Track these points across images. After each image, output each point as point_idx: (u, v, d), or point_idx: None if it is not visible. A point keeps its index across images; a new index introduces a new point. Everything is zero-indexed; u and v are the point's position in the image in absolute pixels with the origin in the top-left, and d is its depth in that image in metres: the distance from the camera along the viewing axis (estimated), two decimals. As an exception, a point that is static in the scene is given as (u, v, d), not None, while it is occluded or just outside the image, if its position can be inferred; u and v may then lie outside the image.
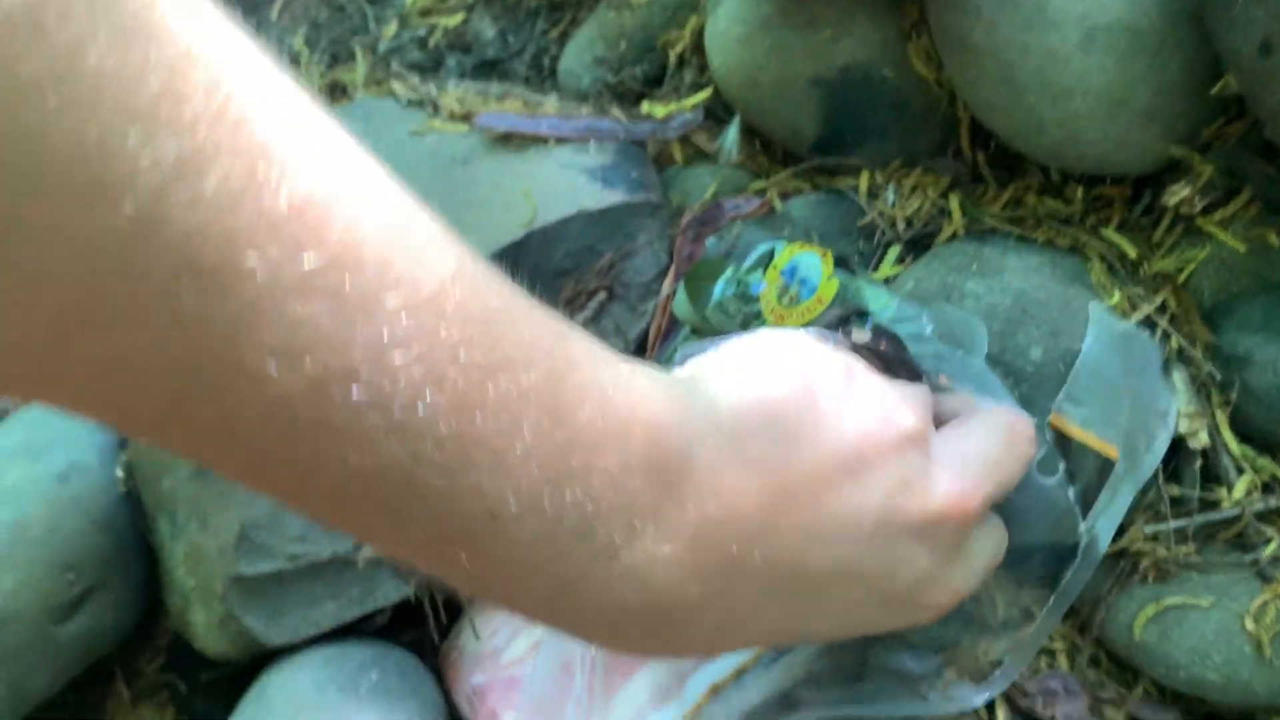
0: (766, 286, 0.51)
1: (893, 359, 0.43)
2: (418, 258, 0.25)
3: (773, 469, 0.34)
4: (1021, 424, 0.44)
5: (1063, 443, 0.45)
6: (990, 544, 0.43)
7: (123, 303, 0.21)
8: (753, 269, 0.52)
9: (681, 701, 0.46)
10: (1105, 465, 0.45)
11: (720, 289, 0.53)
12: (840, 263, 0.49)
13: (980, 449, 0.42)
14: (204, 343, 0.22)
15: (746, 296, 0.52)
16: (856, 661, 0.46)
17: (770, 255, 0.52)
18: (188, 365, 0.22)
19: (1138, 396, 0.47)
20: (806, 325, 0.48)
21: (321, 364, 0.23)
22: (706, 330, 0.54)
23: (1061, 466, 0.44)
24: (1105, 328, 0.47)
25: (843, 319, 0.47)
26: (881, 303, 0.49)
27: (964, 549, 0.40)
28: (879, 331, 0.44)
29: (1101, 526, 0.45)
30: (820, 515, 0.36)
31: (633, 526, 0.30)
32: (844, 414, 0.37)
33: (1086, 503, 0.45)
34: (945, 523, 0.38)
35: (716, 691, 0.47)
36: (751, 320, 0.51)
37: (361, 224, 0.24)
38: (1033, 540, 0.45)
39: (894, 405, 0.39)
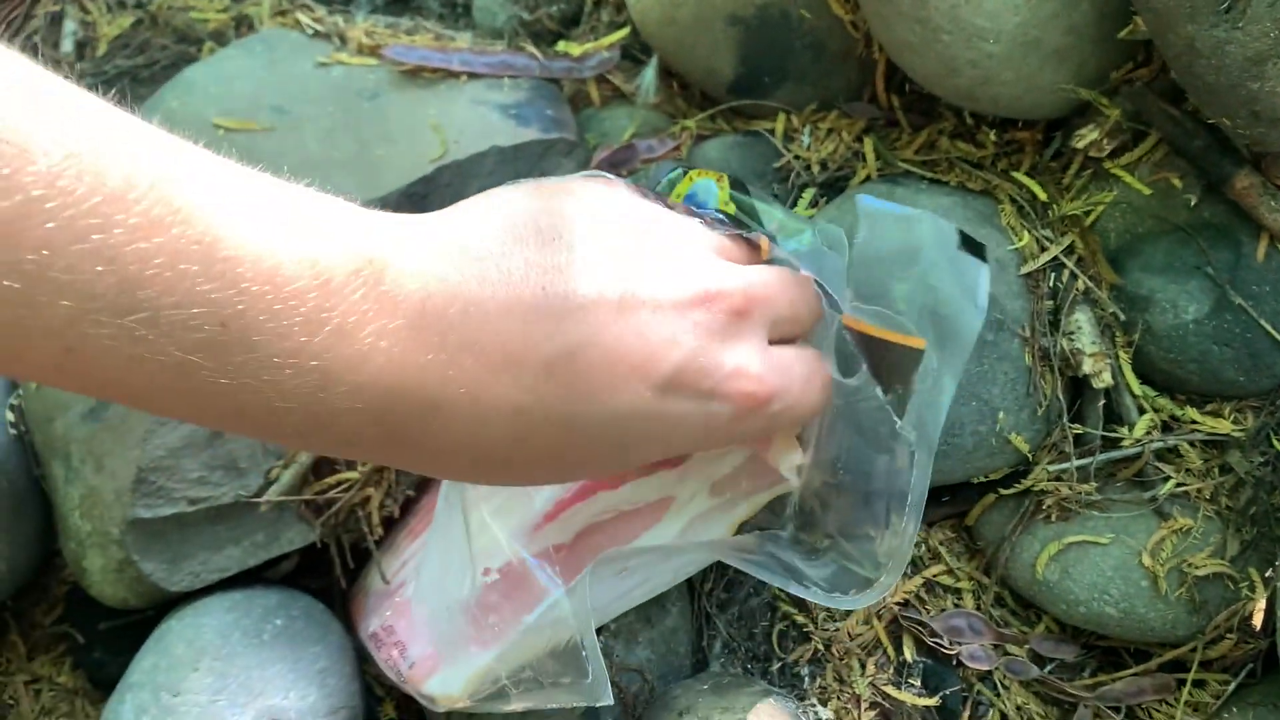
0: None
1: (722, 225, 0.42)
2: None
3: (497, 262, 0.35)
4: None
5: (867, 343, 0.43)
6: (801, 359, 0.40)
7: None
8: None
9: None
10: (915, 355, 0.43)
11: None
12: (736, 184, 0.48)
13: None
14: None
15: None
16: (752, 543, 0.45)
17: (673, 183, 0.51)
18: None
19: (934, 279, 0.44)
20: None
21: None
22: None
23: (863, 366, 0.42)
24: (877, 217, 0.45)
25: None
26: (772, 216, 0.48)
27: (743, 331, 0.38)
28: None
29: (929, 416, 0.44)
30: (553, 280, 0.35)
31: (363, 310, 0.32)
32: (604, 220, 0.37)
33: (908, 395, 0.44)
34: (699, 275, 0.37)
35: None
36: None
37: None
38: (859, 445, 0.44)
39: (681, 223, 0.39)
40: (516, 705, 0.49)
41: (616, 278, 0.36)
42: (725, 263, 0.39)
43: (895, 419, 0.42)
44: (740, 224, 0.43)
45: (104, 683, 0.61)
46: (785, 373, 0.39)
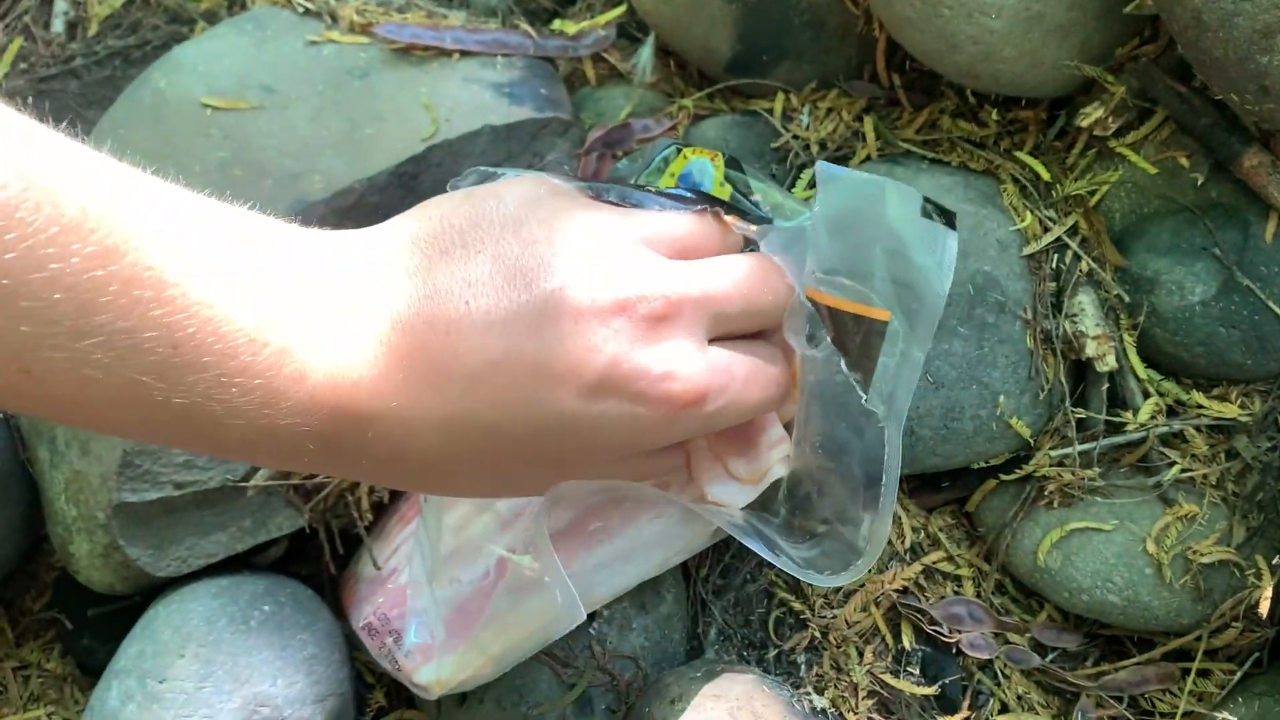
0: None
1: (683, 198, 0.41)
2: None
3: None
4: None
5: (831, 316, 0.41)
6: (742, 361, 0.39)
7: None
8: (653, 174, 0.50)
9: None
10: (879, 327, 0.42)
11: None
12: (731, 163, 0.47)
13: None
14: None
15: None
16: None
17: (667, 161, 0.50)
18: None
19: (900, 248, 0.43)
20: None
21: None
22: None
23: (827, 338, 0.41)
24: (839, 184, 0.42)
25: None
26: (768, 196, 0.47)
27: (670, 333, 0.37)
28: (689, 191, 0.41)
29: (899, 390, 0.42)
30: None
31: (302, 330, 0.34)
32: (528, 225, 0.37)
33: (874, 369, 0.42)
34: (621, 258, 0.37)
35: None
36: None
37: None
38: (837, 425, 0.43)
39: (606, 219, 0.38)
40: (505, 669, 0.49)
41: (539, 289, 0.36)
42: (657, 263, 0.38)
43: (861, 394, 0.41)
44: (709, 199, 0.42)
45: (93, 669, 0.60)
46: (723, 373, 0.38)
